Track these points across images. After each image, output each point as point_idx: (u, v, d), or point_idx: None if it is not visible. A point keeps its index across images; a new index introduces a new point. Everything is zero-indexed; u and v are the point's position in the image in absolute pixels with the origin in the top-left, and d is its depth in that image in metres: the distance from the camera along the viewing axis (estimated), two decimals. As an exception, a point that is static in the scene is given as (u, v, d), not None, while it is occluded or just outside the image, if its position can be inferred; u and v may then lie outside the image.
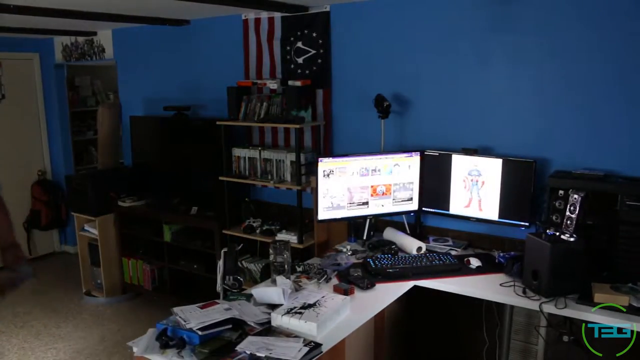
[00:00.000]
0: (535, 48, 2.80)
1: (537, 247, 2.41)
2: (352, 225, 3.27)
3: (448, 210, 3.09)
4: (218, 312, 2.08)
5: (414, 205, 3.19)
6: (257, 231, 3.74)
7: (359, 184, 3.06)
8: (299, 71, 3.69)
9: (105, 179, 4.71)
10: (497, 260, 2.80)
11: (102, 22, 4.09)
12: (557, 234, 2.44)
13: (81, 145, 6.07)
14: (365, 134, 3.42)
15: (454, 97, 3.10)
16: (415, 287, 2.64)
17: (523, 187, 2.79)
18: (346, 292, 2.38)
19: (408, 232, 3.21)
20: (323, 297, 2.25)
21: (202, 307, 2.12)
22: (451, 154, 3.03)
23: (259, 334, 2.01)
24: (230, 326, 2.02)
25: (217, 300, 2.25)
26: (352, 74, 3.47)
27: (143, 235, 4.50)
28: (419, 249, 2.92)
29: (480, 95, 3.01)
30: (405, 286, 2.60)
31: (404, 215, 3.26)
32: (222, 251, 2.49)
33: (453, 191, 3.05)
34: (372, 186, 3.09)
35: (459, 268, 2.74)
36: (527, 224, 2.81)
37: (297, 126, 3.40)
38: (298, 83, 3.52)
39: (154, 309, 4.34)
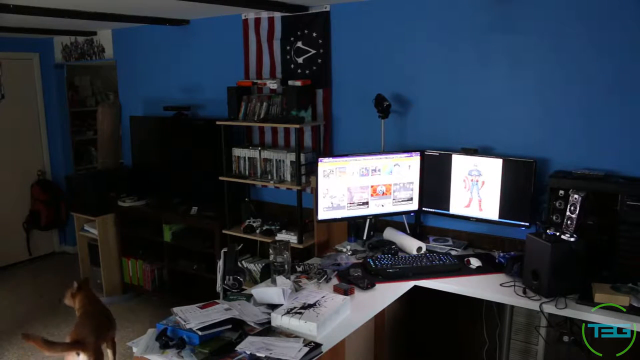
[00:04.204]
0: (535, 48, 2.80)
1: (537, 247, 2.41)
2: (352, 225, 3.27)
3: (448, 210, 3.09)
4: (218, 312, 2.08)
5: (414, 205, 3.19)
6: (257, 231, 3.74)
7: (359, 184, 3.06)
8: (299, 71, 3.69)
9: (105, 179, 4.71)
10: (497, 260, 2.80)
11: (102, 22, 4.10)
12: (557, 234, 2.44)
13: (81, 145, 6.06)
14: (365, 134, 3.42)
15: (454, 97, 3.10)
16: (415, 287, 2.64)
17: (523, 187, 2.79)
18: (346, 292, 2.38)
19: (408, 232, 3.22)
20: (323, 297, 2.25)
21: (202, 307, 2.12)
22: (451, 154, 3.03)
23: (259, 334, 2.01)
24: (230, 326, 2.02)
25: (217, 300, 2.25)
26: (352, 74, 3.47)
27: (143, 235, 4.50)
28: (419, 249, 2.92)
29: (480, 95, 3.01)
30: (405, 286, 2.60)
31: (404, 215, 3.26)
32: (222, 251, 2.49)
33: (453, 191, 3.05)
34: (372, 186, 3.09)
35: (459, 268, 2.74)
36: (527, 224, 2.81)
37: (297, 126, 3.40)
38: (298, 83, 3.52)
39: (154, 309, 4.33)
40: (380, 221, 3.38)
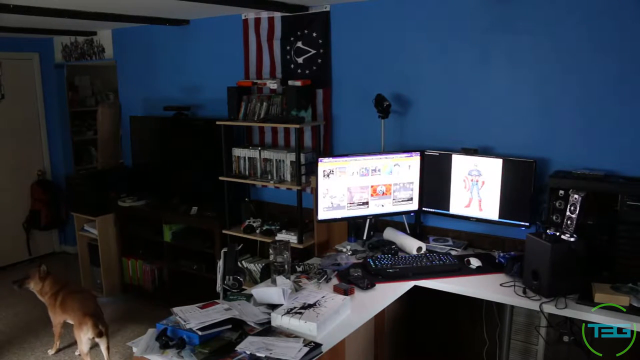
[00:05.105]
0: (536, 48, 2.80)
1: (537, 247, 2.41)
2: (352, 225, 3.27)
3: (448, 210, 3.09)
4: (218, 312, 2.08)
5: (414, 205, 3.19)
6: (257, 231, 3.74)
7: (359, 184, 3.06)
8: (299, 71, 3.69)
9: (105, 179, 4.71)
10: (497, 260, 2.80)
11: (102, 22, 4.09)
12: (557, 234, 2.44)
13: (81, 145, 6.06)
14: (365, 134, 3.42)
15: (454, 97, 3.10)
16: (415, 287, 2.64)
17: (523, 187, 2.79)
18: (346, 292, 2.38)
19: (408, 232, 3.21)
20: (323, 297, 2.25)
21: (202, 307, 2.12)
22: (451, 154, 3.03)
23: (259, 334, 2.01)
24: (230, 326, 2.02)
25: (217, 300, 2.25)
26: (352, 74, 3.47)
27: (143, 235, 4.51)
28: (419, 249, 2.92)
29: (480, 95, 3.01)
30: (405, 286, 2.60)
31: (404, 215, 3.26)
32: (222, 251, 2.49)
33: (453, 191, 3.05)
34: (372, 186, 3.09)
35: (459, 268, 2.74)
36: (527, 224, 2.81)
37: (297, 126, 3.40)
38: (298, 83, 3.52)
39: (154, 309, 4.33)
40: (380, 221, 3.38)
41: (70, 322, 3.50)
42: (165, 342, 1.91)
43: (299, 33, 3.64)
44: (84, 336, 3.30)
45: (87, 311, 3.33)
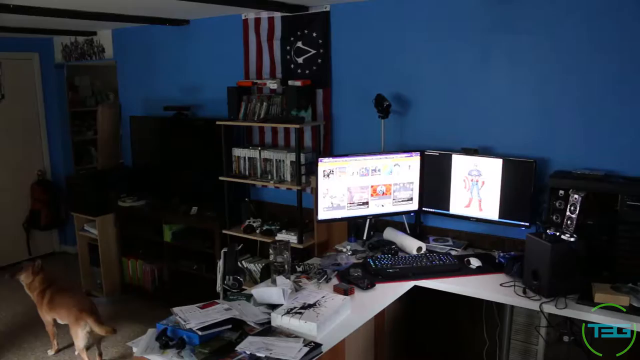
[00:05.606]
0: (536, 48, 2.80)
1: (537, 247, 2.41)
2: (352, 225, 3.27)
3: (448, 210, 3.09)
4: (218, 312, 2.08)
5: (414, 205, 3.19)
6: (257, 231, 3.74)
7: (359, 184, 3.06)
8: (299, 71, 3.69)
9: (105, 179, 4.71)
10: (497, 260, 2.80)
11: (102, 22, 4.10)
12: (557, 234, 2.44)
13: (81, 145, 6.06)
14: (365, 134, 3.42)
15: (454, 97, 3.10)
16: (415, 287, 2.64)
17: (523, 187, 2.79)
18: (346, 292, 2.38)
19: (408, 232, 3.21)
20: (323, 297, 2.25)
21: (202, 307, 2.12)
22: (451, 154, 3.03)
23: (259, 334, 2.01)
24: (230, 326, 2.02)
25: (217, 300, 2.25)
26: (352, 74, 3.47)
27: (143, 235, 4.50)
28: (419, 249, 2.92)
29: (480, 95, 3.01)
30: (405, 286, 2.60)
31: (404, 215, 3.26)
32: (222, 251, 2.50)
33: (453, 191, 3.05)
34: (372, 186, 3.09)
35: (459, 268, 2.74)
36: (527, 224, 2.81)
37: (297, 126, 3.40)
38: (298, 83, 3.52)
39: (154, 309, 4.33)
40: (380, 221, 3.38)
41: (61, 321, 3.50)
42: (165, 342, 1.91)
43: (299, 33, 3.64)
44: (82, 332, 3.30)
45: (83, 307, 3.35)
